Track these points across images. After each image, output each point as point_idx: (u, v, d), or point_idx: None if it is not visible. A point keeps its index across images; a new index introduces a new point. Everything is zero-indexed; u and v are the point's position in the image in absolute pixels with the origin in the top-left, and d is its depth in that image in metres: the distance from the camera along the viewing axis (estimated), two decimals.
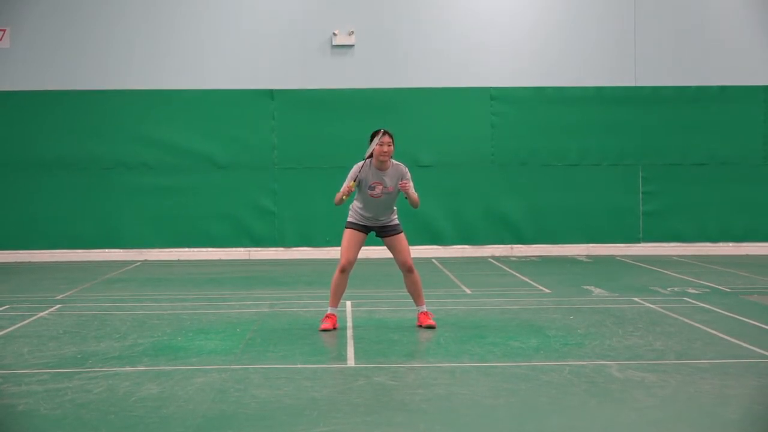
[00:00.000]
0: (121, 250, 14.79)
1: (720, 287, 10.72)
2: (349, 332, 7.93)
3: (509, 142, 15.05)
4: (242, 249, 14.91)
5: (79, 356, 6.98)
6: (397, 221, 8.11)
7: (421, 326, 8.04)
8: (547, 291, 10.50)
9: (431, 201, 14.97)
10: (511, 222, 15.04)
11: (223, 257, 14.81)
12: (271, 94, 14.92)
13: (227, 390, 5.90)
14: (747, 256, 14.71)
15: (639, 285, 10.97)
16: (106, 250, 14.79)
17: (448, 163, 15.01)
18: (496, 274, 12.35)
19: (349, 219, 8.05)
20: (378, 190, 7.89)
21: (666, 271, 12.42)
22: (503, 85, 15.08)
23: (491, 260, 14.22)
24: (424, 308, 8.15)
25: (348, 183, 7.85)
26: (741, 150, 15.16)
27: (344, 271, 7.91)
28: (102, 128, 14.79)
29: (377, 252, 14.87)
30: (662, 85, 15.16)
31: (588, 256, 14.73)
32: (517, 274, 12.28)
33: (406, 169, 8.09)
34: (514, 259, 14.40)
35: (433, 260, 14.22)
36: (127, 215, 14.79)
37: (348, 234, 7.98)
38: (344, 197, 7.88)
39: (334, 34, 14.98)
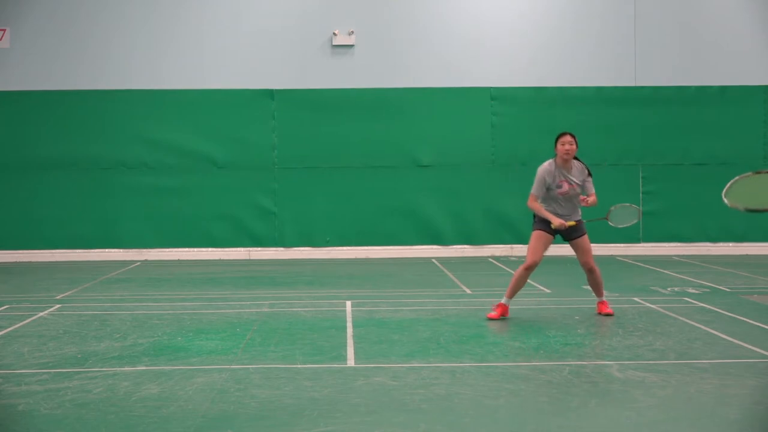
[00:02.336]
0: (121, 250, 14.79)
1: (720, 287, 10.72)
2: (349, 332, 7.93)
3: (509, 142, 15.05)
4: (242, 249, 14.91)
5: (79, 356, 6.98)
6: (581, 220, 8.59)
7: (600, 314, 8.69)
8: (547, 291, 10.49)
9: (431, 201, 14.99)
10: (511, 222, 15.04)
11: (223, 257, 14.81)
12: (271, 94, 14.92)
13: (227, 390, 5.89)
14: (747, 256, 14.71)
15: (639, 285, 10.96)
16: (106, 250, 14.79)
17: (449, 163, 15.02)
18: (497, 274, 12.35)
19: (536, 219, 8.59)
20: (566, 188, 8.42)
21: (666, 271, 12.42)
22: (503, 85, 15.08)
23: (491, 260, 14.22)
24: (603, 298, 8.80)
25: (558, 221, 8.37)
26: (741, 150, 15.16)
27: (529, 269, 8.45)
28: (102, 128, 14.79)
29: (378, 252, 14.89)
30: (662, 85, 15.16)
31: None
32: None
33: (587, 168, 8.62)
34: (514, 259, 14.40)
35: (433, 260, 14.22)
36: (127, 215, 14.79)
37: (537, 235, 8.53)
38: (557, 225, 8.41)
39: (334, 34, 14.98)
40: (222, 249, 14.88)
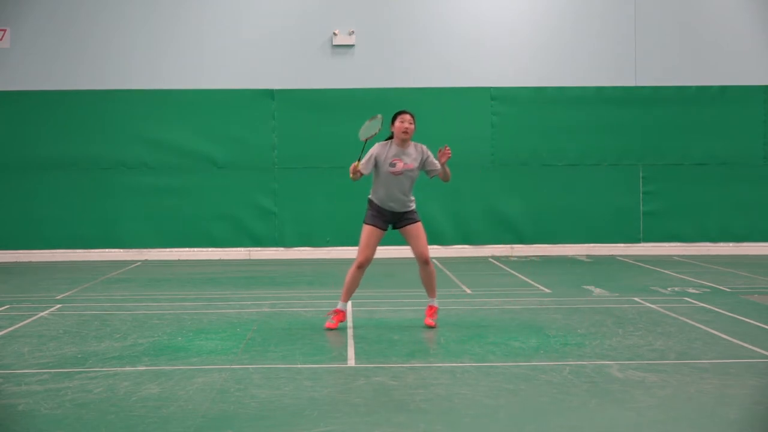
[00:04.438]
0: (122, 250, 14.80)
1: (720, 287, 10.72)
2: (350, 332, 7.93)
3: (509, 142, 15.05)
4: (242, 249, 14.91)
5: (79, 356, 6.98)
6: (414, 209, 8.11)
7: (425, 323, 8.11)
8: (548, 291, 10.50)
9: (431, 201, 14.97)
10: (511, 222, 15.05)
11: (223, 257, 14.81)
12: (271, 94, 14.92)
13: (227, 390, 5.90)
14: (747, 256, 14.71)
15: (639, 285, 10.97)
16: (107, 250, 14.79)
17: (449, 163, 14.89)
18: (497, 274, 12.35)
19: (368, 214, 8.06)
20: (399, 167, 7.95)
21: (666, 271, 12.42)
22: (503, 85, 15.08)
23: (491, 260, 14.22)
24: (434, 302, 8.17)
25: (357, 163, 7.91)
26: (741, 150, 15.16)
27: (361, 267, 8.02)
28: (102, 128, 14.79)
29: (378, 252, 14.88)
30: (662, 85, 15.16)
31: (588, 256, 14.73)
32: (518, 274, 12.28)
33: (426, 147, 8.15)
34: (514, 259, 14.40)
35: (433, 260, 14.19)
36: (127, 215, 14.80)
37: (366, 230, 8.01)
38: (351, 174, 8.00)
39: (334, 34, 14.98)
40: (222, 249, 14.88)
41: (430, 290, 8.15)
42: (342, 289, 8.20)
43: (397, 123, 8.09)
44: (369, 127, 8.17)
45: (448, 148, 8.05)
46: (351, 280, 8.09)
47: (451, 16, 15.15)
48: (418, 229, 8.01)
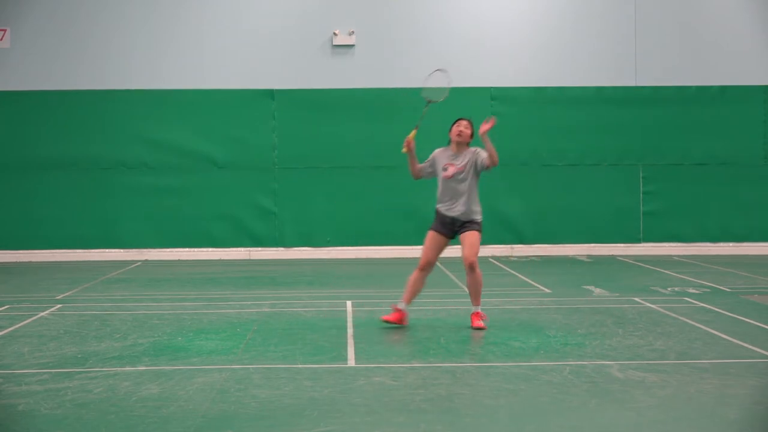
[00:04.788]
0: (122, 250, 14.80)
1: (720, 287, 10.72)
2: (350, 332, 7.93)
3: (509, 142, 15.02)
4: (242, 249, 14.91)
5: (79, 356, 6.98)
6: (478, 219, 8.12)
7: (471, 327, 8.06)
8: (548, 291, 10.50)
9: (432, 201, 14.93)
10: (511, 222, 15.05)
11: (224, 257, 14.81)
12: (271, 94, 14.92)
13: (228, 390, 5.90)
14: (747, 256, 14.71)
15: (639, 285, 10.97)
16: (107, 250, 14.79)
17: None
18: (497, 274, 12.35)
19: (434, 222, 8.26)
20: (450, 171, 8.12)
21: (666, 271, 12.42)
22: (504, 85, 15.08)
23: (491, 260, 14.21)
24: (478, 309, 8.13)
25: (414, 133, 8.21)
26: (741, 150, 15.16)
27: (423, 270, 8.13)
28: (102, 128, 14.79)
29: (379, 252, 14.89)
30: (662, 85, 15.16)
31: (588, 256, 14.73)
32: (518, 275, 12.28)
33: (478, 148, 8.21)
34: (514, 259, 14.40)
35: None
36: (128, 215, 14.80)
37: (430, 235, 8.23)
38: (405, 147, 8.30)
39: (335, 34, 14.98)
40: (222, 249, 14.88)
41: (475, 297, 8.12)
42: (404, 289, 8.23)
43: (453, 128, 8.29)
44: (435, 92, 8.24)
45: (493, 119, 8.20)
46: (412, 282, 8.16)
47: (451, 16, 15.15)
48: (470, 235, 8.04)
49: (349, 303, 9.57)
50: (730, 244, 15.13)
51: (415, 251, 15.02)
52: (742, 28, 15.22)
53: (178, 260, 14.68)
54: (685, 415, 5.31)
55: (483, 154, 8.15)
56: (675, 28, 15.24)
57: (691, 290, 10.48)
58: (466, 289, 8.28)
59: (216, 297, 10.25)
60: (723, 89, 15.15)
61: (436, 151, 8.32)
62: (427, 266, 8.15)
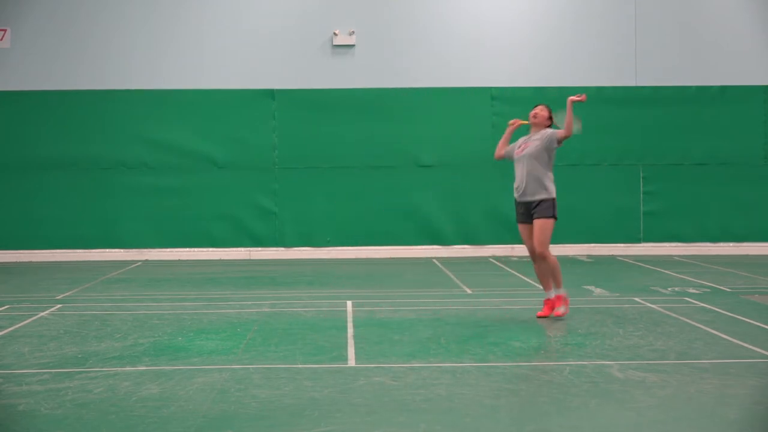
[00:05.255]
0: (122, 250, 14.80)
1: (720, 287, 10.72)
2: (350, 332, 7.93)
3: (510, 142, 15.01)
4: (243, 249, 14.91)
5: (79, 356, 6.98)
6: (544, 200, 8.34)
7: (553, 316, 8.47)
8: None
9: (432, 201, 14.99)
10: (511, 222, 14.95)
11: (224, 257, 14.81)
12: (271, 94, 14.92)
13: (228, 390, 5.90)
14: (747, 256, 14.71)
15: (640, 285, 10.97)
16: (107, 250, 14.79)
17: (449, 163, 15.02)
18: (497, 274, 12.35)
19: (516, 213, 8.58)
20: (522, 147, 8.50)
21: (666, 271, 12.42)
22: (504, 85, 15.09)
23: (492, 260, 14.21)
24: (551, 294, 8.48)
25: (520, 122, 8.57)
26: (741, 150, 15.16)
27: (534, 259, 8.46)
28: (102, 128, 14.80)
29: (379, 252, 14.89)
30: (662, 85, 15.16)
31: (589, 256, 14.73)
32: (518, 275, 12.28)
33: (552, 130, 8.49)
34: (514, 259, 14.40)
35: (434, 260, 14.22)
36: (128, 215, 14.80)
37: (519, 228, 8.58)
38: (511, 124, 8.72)
39: (335, 34, 14.99)
40: (222, 249, 14.88)
41: (546, 284, 8.49)
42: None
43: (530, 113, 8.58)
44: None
45: (584, 95, 8.41)
46: (537, 273, 8.54)
47: (451, 16, 15.16)
48: (537, 224, 8.30)
49: (349, 303, 9.57)
50: (730, 244, 15.13)
51: (415, 251, 15.09)
52: (742, 28, 15.23)
53: (178, 260, 14.68)
54: (685, 415, 5.31)
55: (557, 132, 8.41)
56: (675, 28, 15.24)
57: (692, 290, 10.48)
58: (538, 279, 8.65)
59: (216, 297, 10.25)
60: (723, 89, 15.15)
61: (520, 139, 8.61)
62: (534, 254, 8.41)
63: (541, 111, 8.60)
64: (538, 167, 8.40)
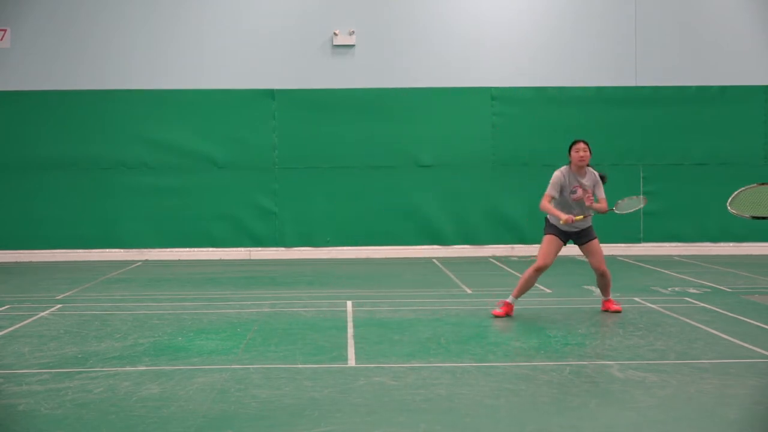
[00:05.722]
0: (122, 250, 14.80)
1: (721, 287, 10.72)
2: (350, 332, 7.93)
3: (510, 142, 15.06)
4: (243, 249, 14.91)
5: (79, 356, 6.98)
6: (591, 225, 8.83)
7: (607, 311, 8.89)
8: (548, 291, 10.49)
9: (432, 201, 14.99)
10: (511, 222, 15.05)
11: (224, 257, 14.81)
12: (271, 94, 14.92)
13: (228, 390, 5.90)
14: (747, 256, 14.71)
15: (640, 285, 10.97)
16: (107, 250, 14.79)
17: (449, 163, 15.01)
18: (497, 275, 12.35)
19: (550, 225, 8.72)
20: (579, 193, 8.65)
21: (667, 271, 12.42)
22: (504, 85, 15.08)
23: (492, 260, 14.21)
24: (609, 297, 8.97)
25: (567, 216, 8.47)
26: (741, 150, 15.16)
27: (538, 270, 8.55)
28: (102, 128, 14.79)
29: (378, 252, 14.89)
30: (662, 85, 15.16)
31: None
32: (518, 275, 12.26)
33: (599, 175, 8.83)
34: (514, 259, 14.40)
35: (434, 260, 14.22)
36: (128, 215, 14.80)
37: (548, 239, 8.66)
38: (565, 221, 8.53)
39: (335, 34, 14.98)
40: (222, 249, 14.88)
41: (605, 292, 8.95)
42: (516, 286, 8.72)
43: (573, 153, 8.73)
44: (630, 204, 8.94)
45: (596, 206, 8.71)
46: (526, 280, 8.60)
47: (451, 16, 15.16)
48: (595, 245, 8.74)
49: (349, 303, 9.57)
50: (731, 244, 15.13)
51: (414, 251, 15.09)
52: (742, 28, 15.22)
53: (178, 260, 14.68)
54: (685, 415, 5.31)
55: (600, 189, 8.77)
56: (675, 28, 15.24)
57: (692, 290, 10.48)
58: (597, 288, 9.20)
59: (216, 297, 10.25)
60: (723, 89, 15.15)
61: (560, 174, 8.71)
62: (545, 268, 8.61)
63: (585, 153, 8.73)
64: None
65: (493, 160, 15.10)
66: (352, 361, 6.76)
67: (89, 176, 14.79)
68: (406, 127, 15.01)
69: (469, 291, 10.63)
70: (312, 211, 14.93)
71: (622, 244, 15.06)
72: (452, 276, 12.10)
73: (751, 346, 7.18)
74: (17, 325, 8.34)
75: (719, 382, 6.03)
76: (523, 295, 8.79)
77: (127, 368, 6.55)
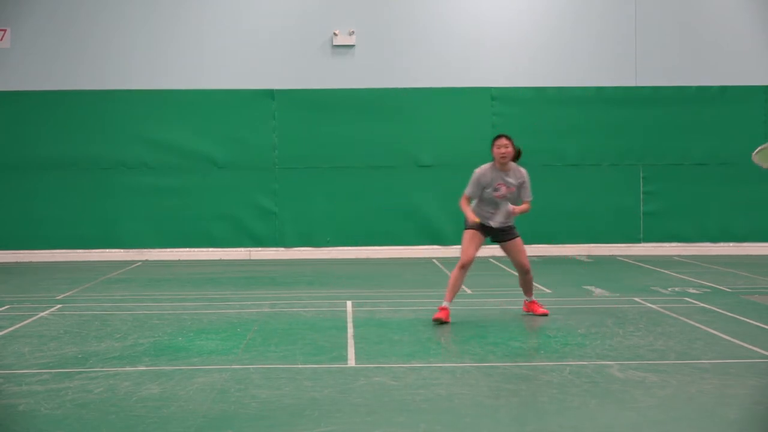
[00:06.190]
0: (122, 250, 14.79)
1: (720, 287, 10.72)
2: (350, 332, 7.93)
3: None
4: (243, 249, 14.91)
5: (79, 356, 6.98)
6: (513, 224, 8.59)
7: (529, 312, 8.75)
8: (548, 291, 10.49)
9: (432, 201, 14.98)
10: None
11: (224, 257, 14.81)
12: (271, 94, 14.92)
13: (228, 390, 5.90)
14: (747, 256, 14.70)
15: (640, 285, 10.96)
16: (107, 250, 14.79)
17: (449, 164, 15.00)
18: (497, 275, 12.35)
19: (468, 221, 8.49)
20: (503, 190, 8.39)
21: (667, 271, 12.42)
22: (504, 85, 15.08)
23: (492, 260, 14.21)
24: (533, 298, 8.80)
25: (472, 218, 8.39)
26: (741, 150, 15.11)
27: (463, 267, 8.37)
28: (102, 128, 14.79)
29: (378, 252, 14.89)
30: (662, 85, 15.16)
31: (589, 256, 14.73)
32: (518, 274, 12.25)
33: (526, 173, 8.56)
34: None
35: (434, 260, 14.21)
36: (128, 215, 14.79)
37: (468, 234, 8.49)
38: (469, 222, 8.44)
39: (335, 34, 14.98)
40: (222, 249, 14.88)
41: (528, 292, 8.77)
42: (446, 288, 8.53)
43: (494, 149, 8.42)
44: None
45: (517, 210, 8.45)
46: (454, 280, 8.41)
47: (451, 16, 15.15)
48: (519, 243, 8.52)
49: (349, 303, 9.57)
50: (731, 244, 15.13)
51: (414, 251, 15.09)
52: (742, 28, 15.22)
53: (178, 260, 14.68)
54: (685, 415, 5.31)
55: (527, 190, 8.53)
56: (675, 28, 15.24)
57: (692, 290, 10.48)
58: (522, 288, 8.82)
59: (216, 297, 10.25)
60: (723, 89, 15.15)
61: (480, 171, 8.46)
62: (469, 263, 8.44)
63: (507, 149, 8.41)
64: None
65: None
66: (352, 361, 6.76)
67: (89, 176, 14.79)
68: (406, 127, 15.01)
69: (469, 291, 10.63)
70: (312, 211, 14.93)
71: (622, 244, 15.06)
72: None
73: (751, 346, 7.18)
74: (17, 325, 8.34)
75: (719, 382, 6.04)
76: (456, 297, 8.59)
77: (127, 368, 6.55)
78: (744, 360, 6.72)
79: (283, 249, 14.95)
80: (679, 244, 15.09)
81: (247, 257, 14.86)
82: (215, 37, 14.99)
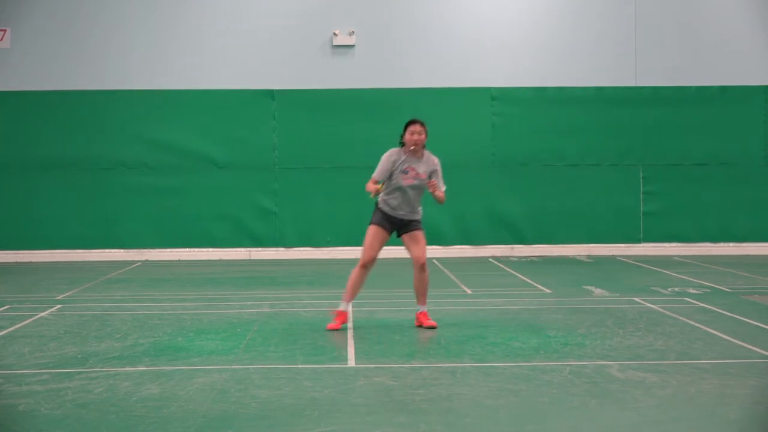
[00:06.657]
0: (122, 250, 14.79)
1: (720, 287, 10.72)
2: (350, 332, 7.93)
3: (510, 143, 15.05)
4: (243, 249, 14.91)
5: (79, 356, 6.98)
6: (420, 219, 8.09)
7: (420, 326, 8.10)
8: (548, 291, 10.49)
9: (431, 201, 14.96)
10: (511, 222, 15.05)
11: (224, 257, 14.81)
12: (271, 94, 14.92)
13: (228, 390, 5.90)
14: (747, 256, 14.71)
15: (640, 285, 10.97)
16: (107, 250, 14.79)
17: (449, 164, 14.72)
18: (497, 275, 12.35)
19: (375, 216, 8.08)
20: (411, 174, 7.89)
21: (666, 272, 12.42)
22: (504, 85, 15.08)
23: (492, 260, 14.21)
24: (425, 309, 8.15)
25: (374, 183, 7.84)
26: (741, 150, 15.16)
27: (365, 267, 8.02)
28: (102, 128, 14.79)
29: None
30: (662, 85, 15.16)
31: (589, 257, 14.73)
32: (518, 275, 12.28)
33: (438, 162, 8.09)
34: (514, 259, 14.40)
35: (434, 260, 14.21)
36: (128, 215, 14.80)
37: (372, 230, 8.02)
38: (371, 194, 7.84)
39: (335, 34, 14.98)
40: (222, 249, 14.88)
41: (422, 297, 8.11)
42: (344, 289, 8.18)
43: (407, 135, 7.94)
44: None
45: (432, 181, 7.92)
46: (355, 280, 8.09)
47: (451, 16, 15.16)
48: (419, 235, 8.00)
49: (350, 304, 9.54)
50: (730, 244, 15.13)
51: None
52: (742, 28, 15.22)
53: (178, 260, 14.68)
54: (685, 415, 5.31)
55: (440, 179, 8.03)
56: (675, 28, 15.24)
57: (692, 290, 10.48)
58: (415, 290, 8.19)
59: (216, 297, 10.26)
60: (723, 89, 15.15)
61: (386, 156, 7.96)
62: (371, 263, 8.04)
63: (420, 135, 7.93)
64: (421, 194, 8.10)
65: (492, 160, 15.10)
66: (352, 361, 6.76)
67: (89, 176, 14.79)
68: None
69: (468, 291, 10.63)
70: (312, 211, 14.93)
71: (622, 244, 15.06)
72: (452, 276, 12.10)
73: (750, 346, 7.18)
74: (17, 326, 8.34)
75: (719, 382, 6.04)
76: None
77: (127, 368, 6.55)
78: (744, 360, 6.72)
79: (283, 249, 14.96)
80: (679, 244, 15.09)
81: (247, 257, 14.86)
82: (215, 37, 14.99)
